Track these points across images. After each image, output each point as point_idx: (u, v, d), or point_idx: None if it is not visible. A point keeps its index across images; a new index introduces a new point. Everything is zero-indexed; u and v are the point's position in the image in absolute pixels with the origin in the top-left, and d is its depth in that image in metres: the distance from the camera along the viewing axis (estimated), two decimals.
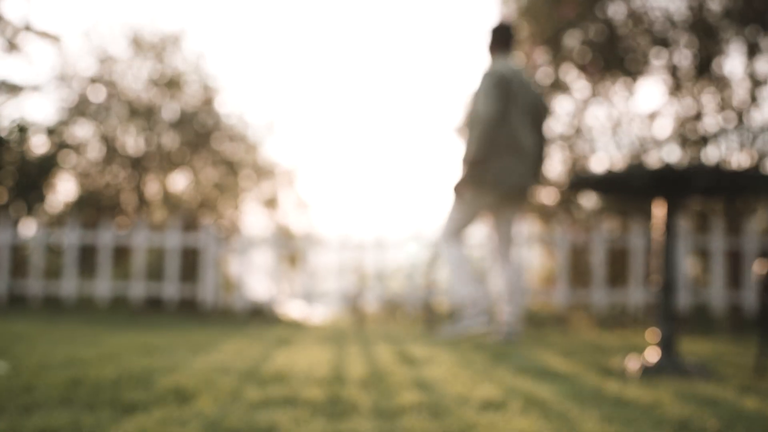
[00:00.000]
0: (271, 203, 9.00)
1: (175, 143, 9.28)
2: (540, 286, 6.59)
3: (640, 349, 3.52)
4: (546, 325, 5.48)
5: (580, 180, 2.90)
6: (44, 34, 8.79)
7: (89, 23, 8.99)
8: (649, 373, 2.58)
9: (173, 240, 5.62)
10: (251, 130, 10.12)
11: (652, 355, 2.68)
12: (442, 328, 4.27)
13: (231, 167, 9.39)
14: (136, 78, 9.51)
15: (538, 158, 3.97)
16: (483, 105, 3.75)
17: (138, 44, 9.47)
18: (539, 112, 3.97)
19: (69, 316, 5.44)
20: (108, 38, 9.33)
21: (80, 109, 9.09)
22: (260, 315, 5.79)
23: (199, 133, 9.37)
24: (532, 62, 7.97)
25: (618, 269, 6.05)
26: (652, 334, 2.75)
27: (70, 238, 5.72)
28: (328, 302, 5.82)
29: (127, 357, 2.47)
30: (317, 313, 6.01)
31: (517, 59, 4.24)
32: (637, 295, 5.44)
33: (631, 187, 2.79)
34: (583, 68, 7.85)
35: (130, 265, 5.83)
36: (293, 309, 6.01)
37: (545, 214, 8.51)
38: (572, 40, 7.92)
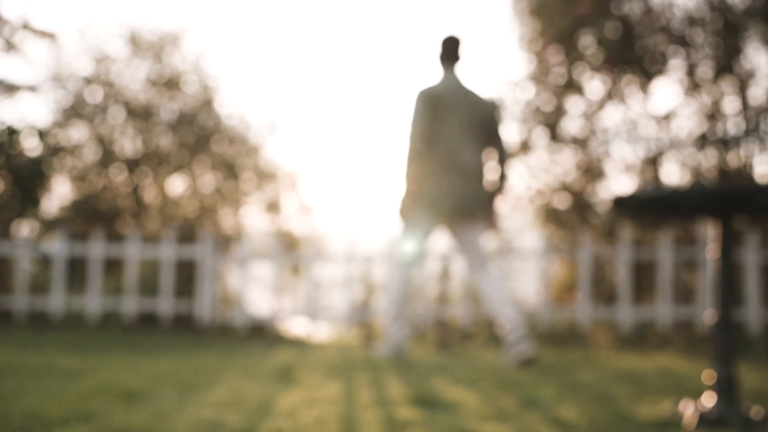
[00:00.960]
0: (273, 208, 8.67)
1: (174, 145, 8.95)
2: (558, 301, 6.24)
3: (678, 379, 3.18)
4: (567, 344, 5.14)
5: (623, 201, 2.55)
6: (42, 33, 8.46)
7: (85, 21, 8.70)
8: (706, 423, 2.24)
9: (168, 252, 5.28)
10: (253, 132, 9.79)
11: (709, 400, 2.34)
12: (381, 345, 4.10)
13: (232, 170, 9.05)
14: (133, 78, 9.18)
15: (482, 176, 3.80)
16: (411, 126, 3.75)
17: (135, 43, 9.14)
18: (487, 126, 3.81)
19: (56, 333, 5.12)
20: (104, 37, 9.00)
21: (76, 110, 8.77)
22: (261, 332, 5.45)
23: (199, 135, 9.04)
24: (545, 62, 7.63)
25: (644, 283, 5.71)
26: (708, 376, 2.41)
27: (58, 249, 5.39)
28: (333, 317, 5.48)
29: (103, 408, 2.14)
30: (322, 330, 5.68)
31: (462, 73, 3.97)
32: (665, 312, 5.08)
33: (683, 208, 2.45)
34: (598, 68, 7.51)
35: (123, 278, 5.50)
36: (296, 325, 5.68)
37: (559, 221, 8.15)
38: (587, 38, 7.58)
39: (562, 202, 8.15)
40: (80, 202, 8.05)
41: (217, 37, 12.73)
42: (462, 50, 3.95)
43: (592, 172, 8.10)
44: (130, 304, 5.37)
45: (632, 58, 7.34)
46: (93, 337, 5.11)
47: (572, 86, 7.73)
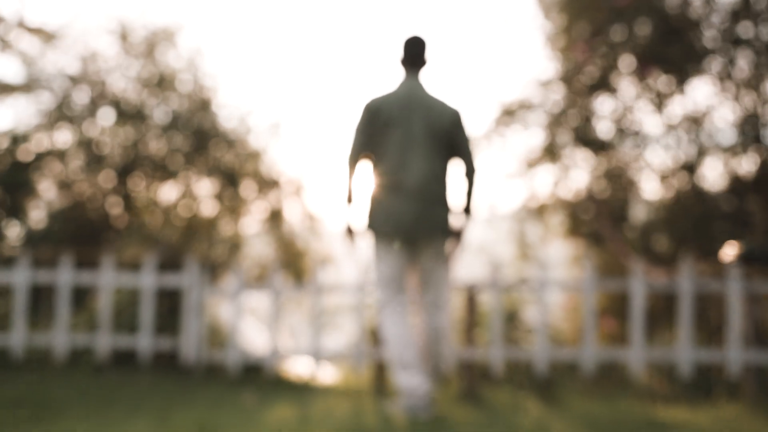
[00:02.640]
0: (275, 218, 7.93)
1: (167, 150, 8.19)
2: (604, 342, 5.44)
3: None
4: (616, 392, 4.34)
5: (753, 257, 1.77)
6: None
7: (71, 15, 7.95)
8: None
9: (148, 280, 4.52)
10: (253, 135, 9.03)
11: None
12: (396, 399, 3.58)
13: (230, 177, 8.27)
14: (124, 77, 8.42)
15: (443, 193, 3.39)
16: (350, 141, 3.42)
17: (126, 39, 8.38)
18: (449, 138, 3.38)
19: (14, 376, 4.38)
20: (93, 32, 8.25)
21: (61, 112, 8.01)
22: (257, 373, 4.68)
23: (195, 139, 8.29)
24: (574, 60, 6.86)
25: (709, 321, 4.89)
26: None
27: (20, 276, 4.61)
28: (341, 356, 4.69)
29: None
30: (327, 371, 4.90)
31: (425, 79, 3.53)
32: (734, 354, 4.26)
33: None
34: (633, 66, 6.73)
35: (96, 310, 4.74)
36: (298, 364, 4.91)
37: (587, 233, 7.37)
38: (622, 33, 6.80)
39: (589, 211, 7.38)
40: (62, 214, 7.30)
41: (216, 33, 12.00)
42: (427, 54, 3.50)
43: (624, 178, 7.34)
44: (104, 341, 4.60)
45: (669, 55, 6.59)
46: (58, 380, 4.35)
47: (603, 86, 6.96)
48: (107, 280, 4.56)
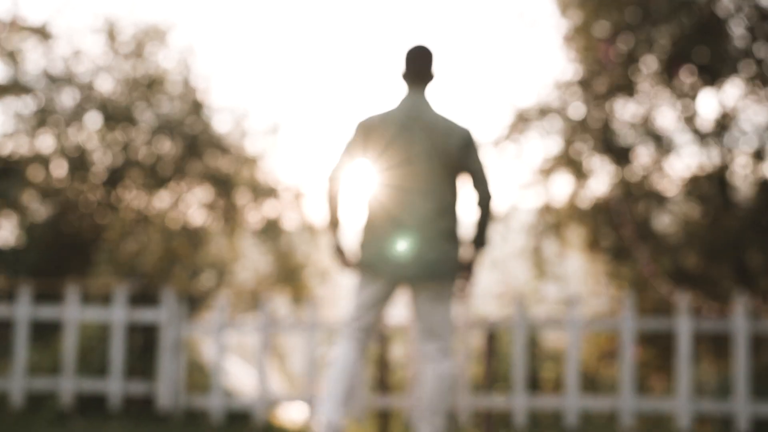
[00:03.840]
0: (271, 228, 7.33)
1: (157, 156, 7.57)
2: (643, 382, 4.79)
3: None
4: None
5: None
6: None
7: (52, 11, 7.32)
8: None
9: (118, 314, 3.89)
10: (249, 139, 8.41)
11: None
12: None
13: (224, 186, 7.65)
14: (112, 78, 7.79)
15: (449, 227, 2.83)
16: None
17: (114, 38, 7.75)
18: (458, 162, 2.83)
19: None
20: (77, 31, 7.61)
21: (43, 115, 7.39)
22: (245, 420, 4.04)
23: (186, 144, 7.67)
24: (599, 60, 6.22)
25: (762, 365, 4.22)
26: None
27: None
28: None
29: None
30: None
31: (432, 96, 2.94)
32: None
33: None
34: (662, 66, 6.09)
35: (60, 349, 4.09)
36: (291, 410, 4.28)
37: (616, 252, 6.73)
38: (649, 32, 6.16)
39: (610, 223, 6.74)
40: (39, 229, 6.68)
41: (209, 32, 11.36)
42: (434, 67, 2.95)
43: (648, 187, 6.70)
44: (68, 384, 3.97)
45: (700, 55, 5.97)
46: (14, 430, 3.75)
47: (627, 88, 6.32)
48: (72, 314, 3.92)
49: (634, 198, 6.60)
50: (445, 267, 2.79)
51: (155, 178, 7.57)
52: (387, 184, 2.81)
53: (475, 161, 2.84)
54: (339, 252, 2.93)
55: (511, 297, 3.93)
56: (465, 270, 2.87)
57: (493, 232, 2.89)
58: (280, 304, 8.15)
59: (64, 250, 7.05)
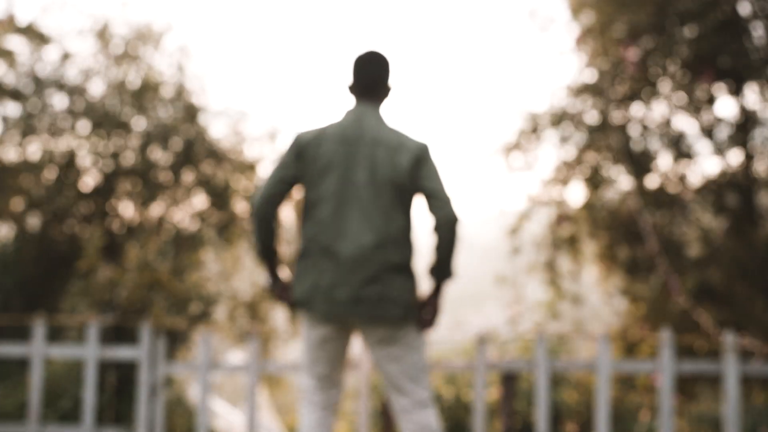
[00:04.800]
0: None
1: (150, 164, 7.12)
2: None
3: None
4: None
5: None
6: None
7: (39, 10, 6.87)
8: None
9: (90, 352, 3.42)
10: (247, 144, 7.96)
11: None
12: None
13: (220, 196, 7.20)
14: (102, 82, 7.34)
15: (398, 258, 2.35)
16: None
17: (105, 40, 7.29)
18: (412, 183, 2.37)
19: None
20: (67, 32, 7.16)
21: (30, 121, 6.95)
22: None
23: (181, 151, 7.23)
24: (617, 63, 5.76)
25: None
26: None
27: None
28: None
29: None
30: None
31: (379, 110, 2.47)
32: None
33: None
34: (688, 69, 5.62)
35: (23, 391, 3.62)
36: None
37: (633, 266, 6.27)
38: (671, 34, 5.69)
39: (629, 236, 6.28)
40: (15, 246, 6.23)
41: (205, 34, 10.92)
42: (389, 77, 2.50)
43: (670, 197, 6.24)
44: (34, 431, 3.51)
45: (725, 57, 5.51)
46: None
47: (647, 92, 5.86)
48: (38, 351, 3.46)
49: (655, 208, 6.15)
50: (393, 307, 2.32)
51: (148, 187, 7.14)
52: (321, 210, 2.37)
53: (431, 179, 2.36)
54: (274, 287, 2.50)
55: (532, 331, 3.45)
56: (425, 308, 2.40)
57: (458, 260, 2.40)
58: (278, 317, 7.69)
59: (52, 264, 6.61)
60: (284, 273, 2.49)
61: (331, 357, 2.44)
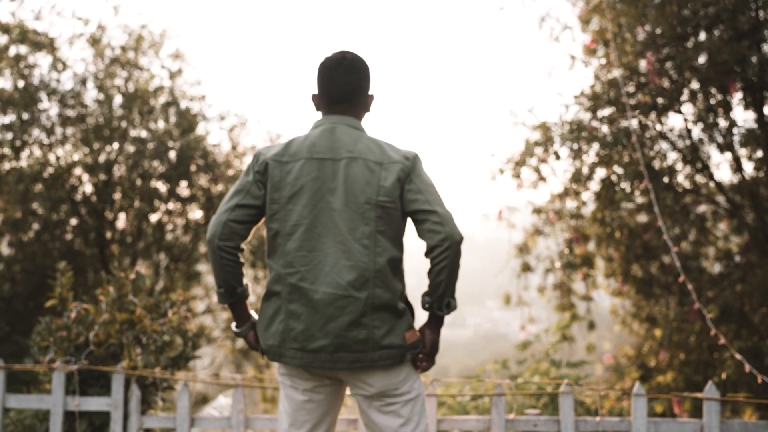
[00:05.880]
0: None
1: (144, 177, 6.72)
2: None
3: None
4: None
5: None
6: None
7: (30, 13, 6.44)
8: None
9: (55, 403, 2.98)
10: (246, 156, 7.55)
11: None
12: None
13: (215, 209, 6.78)
14: (95, 88, 6.93)
15: (384, 295, 1.90)
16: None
17: (99, 45, 6.89)
18: (400, 203, 1.93)
19: None
20: (59, 36, 6.74)
21: (21, 129, 6.54)
22: None
23: (177, 162, 6.82)
24: (635, 70, 5.35)
25: None
26: None
27: None
28: None
29: None
30: None
31: (355, 120, 2.02)
32: None
33: None
34: (708, 78, 5.20)
35: None
36: None
37: (648, 284, 5.84)
38: (694, 42, 5.27)
39: (646, 253, 5.86)
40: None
41: (202, 40, 10.54)
42: (366, 85, 2.05)
43: (691, 213, 5.82)
44: None
45: (746, 66, 5.10)
46: None
47: (666, 101, 5.43)
48: None
49: (673, 222, 5.73)
50: (382, 354, 1.91)
51: (142, 199, 6.75)
52: (290, 242, 1.94)
53: (424, 194, 1.92)
54: (242, 333, 2.08)
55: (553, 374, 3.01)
56: (419, 351, 1.98)
57: (454, 290, 1.97)
58: None
59: (41, 281, 6.23)
60: (254, 316, 2.08)
61: (315, 418, 2.01)
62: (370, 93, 2.08)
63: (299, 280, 1.92)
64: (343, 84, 2.01)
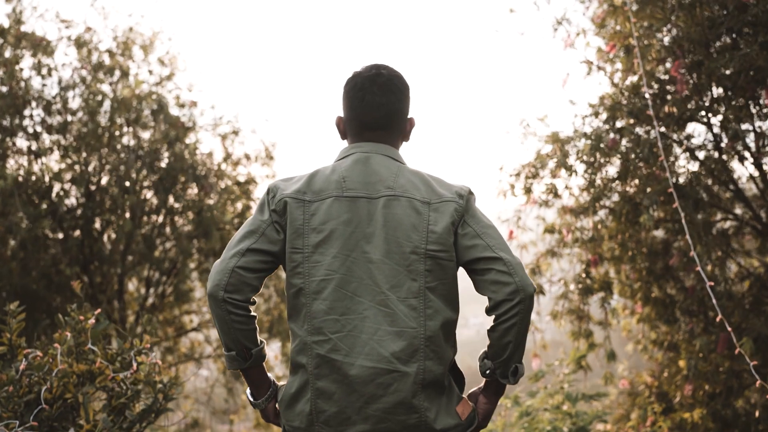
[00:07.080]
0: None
1: (127, 190, 6.24)
2: None
3: None
4: None
5: None
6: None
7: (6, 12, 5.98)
8: None
9: None
10: (238, 165, 7.10)
11: None
12: None
13: (206, 226, 6.29)
14: (79, 95, 6.46)
15: (435, 369, 1.52)
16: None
17: (82, 47, 6.41)
18: (445, 254, 1.53)
19: None
20: (39, 39, 6.27)
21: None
22: None
23: (165, 173, 6.35)
24: (658, 79, 4.85)
25: None
26: None
27: None
28: None
29: None
30: None
31: (392, 148, 1.55)
32: None
33: None
34: (738, 87, 4.70)
35: None
36: None
37: (665, 306, 5.36)
38: (724, 47, 4.76)
39: (667, 276, 5.37)
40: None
41: (194, 44, 10.07)
42: (406, 106, 1.65)
43: (718, 232, 5.34)
44: None
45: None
46: None
47: (692, 112, 4.93)
48: None
49: (699, 243, 5.23)
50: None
51: (129, 211, 6.28)
52: (318, 303, 1.54)
53: (485, 238, 1.53)
54: (260, 405, 1.65)
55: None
56: (475, 427, 1.59)
57: (521, 353, 1.58)
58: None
59: (25, 302, 5.75)
60: (275, 382, 1.66)
61: None
62: (409, 116, 1.68)
63: (330, 350, 1.53)
64: (378, 106, 1.62)
